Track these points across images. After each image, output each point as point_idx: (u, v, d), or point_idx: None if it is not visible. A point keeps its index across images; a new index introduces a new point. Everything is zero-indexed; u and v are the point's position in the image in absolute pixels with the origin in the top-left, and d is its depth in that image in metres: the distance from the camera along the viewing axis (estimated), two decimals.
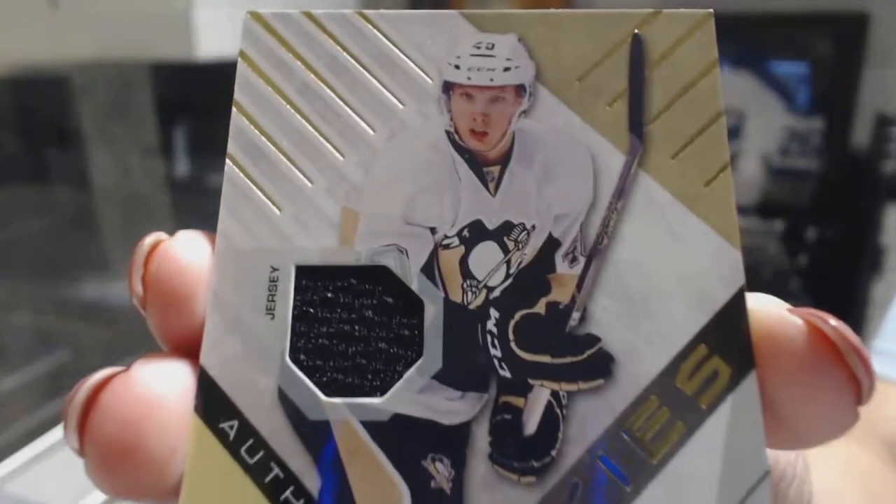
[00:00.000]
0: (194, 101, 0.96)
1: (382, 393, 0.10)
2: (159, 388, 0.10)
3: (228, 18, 0.79)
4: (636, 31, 0.11)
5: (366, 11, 0.12)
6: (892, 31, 1.71)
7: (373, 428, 0.10)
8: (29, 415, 0.77)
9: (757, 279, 1.36)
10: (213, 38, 0.75)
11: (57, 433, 0.70)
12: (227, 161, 0.11)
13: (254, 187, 0.11)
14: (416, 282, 0.11)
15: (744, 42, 1.84)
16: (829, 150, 1.79)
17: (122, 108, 0.88)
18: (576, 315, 0.10)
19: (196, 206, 0.99)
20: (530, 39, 0.11)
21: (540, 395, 0.10)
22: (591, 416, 0.10)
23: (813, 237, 1.73)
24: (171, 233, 0.11)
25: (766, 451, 0.10)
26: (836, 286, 1.60)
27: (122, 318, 0.89)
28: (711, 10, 0.12)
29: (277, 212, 0.11)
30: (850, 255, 1.65)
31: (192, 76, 0.91)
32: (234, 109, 0.11)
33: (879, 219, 1.56)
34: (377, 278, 0.11)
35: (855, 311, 1.62)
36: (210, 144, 1.00)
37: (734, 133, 1.87)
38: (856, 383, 0.10)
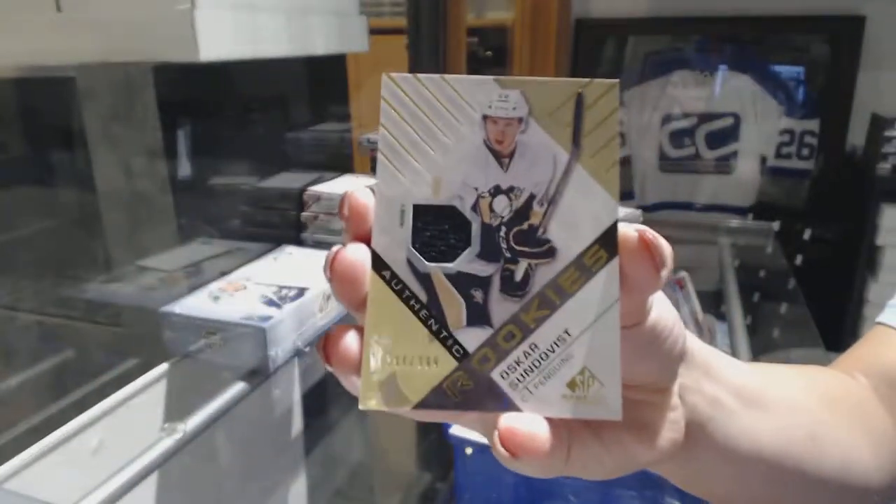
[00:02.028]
0: (197, 102, 0.96)
1: (453, 261, 0.21)
2: (358, 255, 0.21)
3: (231, 21, 0.79)
4: (580, 90, 0.21)
5: (445, 76, 0.21)
6: (886, 32, 1.72)
7: (448, 276, 0.21)
8: (33, 413, 0.78)
9: (754, 278, 1.36)
10: (216, 41, 0.76)
11: (60, 432, 0.71)
12: (378, 154, 0.21)
13: (392, 166, 0.21)
14: (468, 213, 0.21)
15: (741, 45, 1.86)
16: (825, 151, 1.80)
17: (126, 110, 0.88)
18: (541, 230, 0.21)
19: (199, 207, 0.99)
20: (527, 93, 0.21)
21: (522, 265, 0.21)
22: (544, 274, 0.21)
23: (809, 237, 1.74)
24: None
25: (619, 287, 0.21)
26: (833, 285, 1.61)
27: (125, 317, 0.89)
28: (617, 81, 0.21)
29: (403, 178, 0.21)
30: (846, 254, 1.66)
31: (195, 78, 0.91)
32: (380, 127, 0.21)
33: (875, 219, 1.57)
34: (450, 211, 0.21)
35: (851, 309, 1.63)
36: (213, 146, 1.00)
37: (732, 135, 1.88)
38: (654, 260, 0.21)
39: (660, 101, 1.89)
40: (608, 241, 0.21)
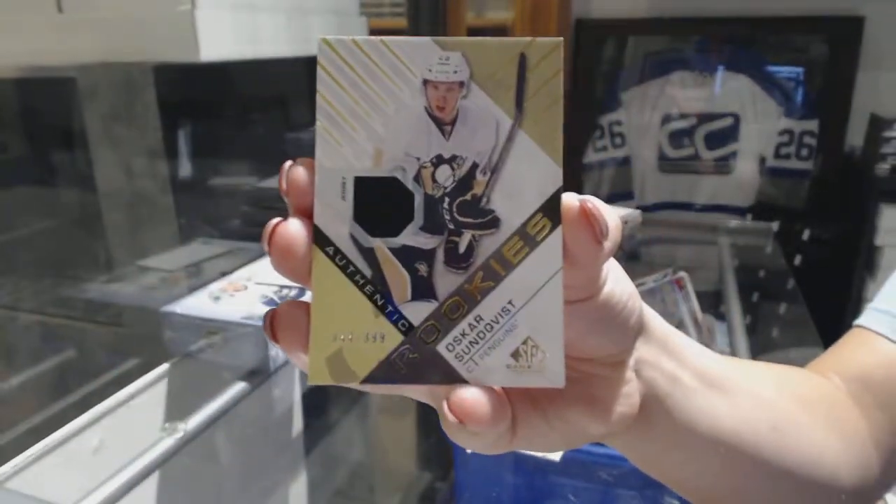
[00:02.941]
0: (198, 102, 0.96)
1: (396, 235, 0.21)
2: (297, 228, 0.20)
3: (231, 21, 0.80)
4: (522, 51, 0.20)
5: (384, 38, 0.21)
6: (886, 33, 1.72)
7: (392, 250, 0.21)
8: (34, 413, 0.78)
9: (754, 278, 1.37)
10: (217, 41, 0.76)
11: (61, 432, 0.71)
12: (317, 123, 0.21)
13: (331, 137, 0.21)
14: (410, 184, 0.21)
15: (740, 45, 1.86)
16: (824, 152, 1.80)
17: (127, 110, 0.89)
18: (484, 200, 0.21)
19: (199, 207, 0.99)
20: (468, 55, 0.21)
21: (466, 236, 0.21)
22: (488, 245, 0.21)
23: (808, 237, 1.75)
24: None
25: (562, 258, 0.20)
26: (832, 286, 1.61)
27: (126, 317, 0.90)
28: (561, 39, 0.21)
29: (343, 149, 0.21)
30: (845, 255, 1.66)
31: (195, 78, 0.91)
32: (318, 95, 0.21)
33: (874, 219, 1.58)
34: (392, 183, 0.21)
35: (850, 309, 1.63)
36: (213, 146, 1.01)
37: (732, 135, 1.88)
38: (594, 230, 0.20)
39: (659, 102, 1.90)
40: (552, 210, 0.20)
